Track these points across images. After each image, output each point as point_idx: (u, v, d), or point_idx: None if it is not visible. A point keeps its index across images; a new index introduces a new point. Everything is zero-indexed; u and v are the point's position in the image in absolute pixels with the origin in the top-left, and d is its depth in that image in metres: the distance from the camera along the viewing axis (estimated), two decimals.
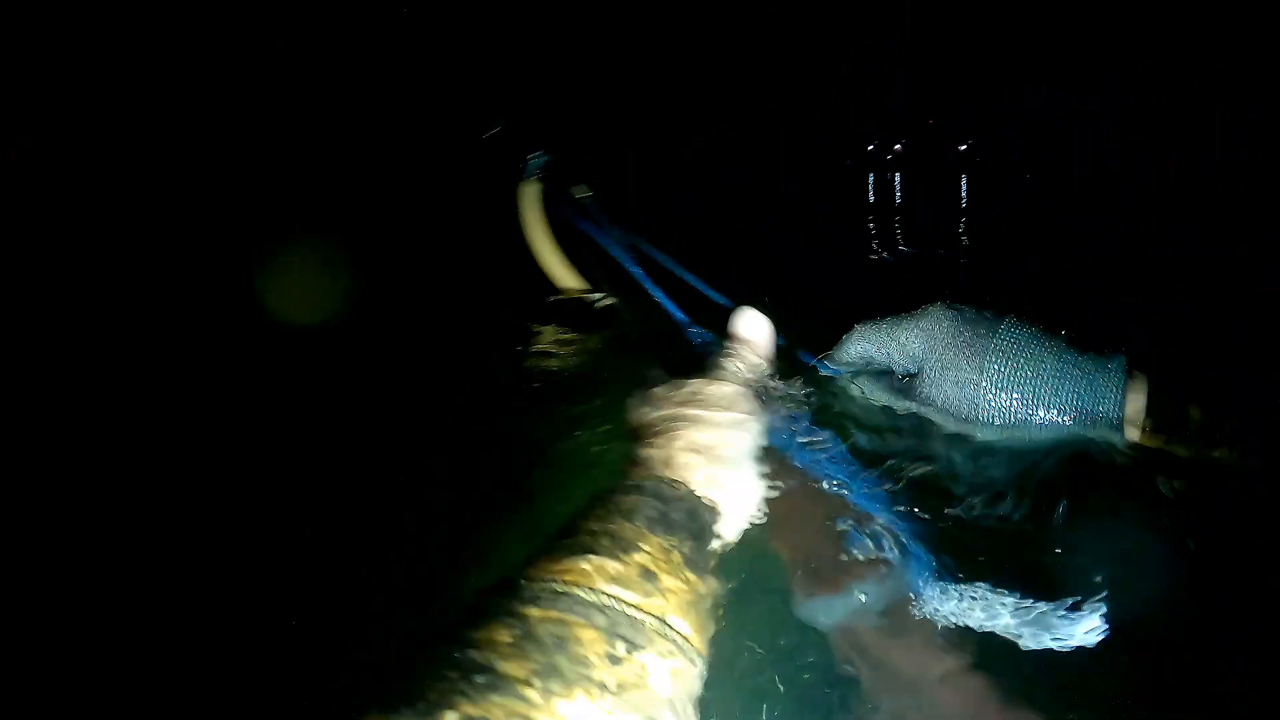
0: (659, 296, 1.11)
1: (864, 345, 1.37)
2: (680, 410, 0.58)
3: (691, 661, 0.42)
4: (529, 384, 2.23)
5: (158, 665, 1.16)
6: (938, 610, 0.79)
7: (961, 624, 0.80)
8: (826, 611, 0.78)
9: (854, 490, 0.79)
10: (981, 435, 1.20)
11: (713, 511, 0.52)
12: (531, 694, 0.34)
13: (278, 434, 1.89)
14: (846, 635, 0.78)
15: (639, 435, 0.59)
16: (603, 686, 0.36)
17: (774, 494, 0.68)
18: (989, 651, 0.82)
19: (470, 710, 0.32)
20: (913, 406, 1.29)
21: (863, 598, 0.75)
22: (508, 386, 2.22)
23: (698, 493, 0.52)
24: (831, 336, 2.16)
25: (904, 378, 1.34)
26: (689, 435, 0.56)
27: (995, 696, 0.74)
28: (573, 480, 1.52)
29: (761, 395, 0.64)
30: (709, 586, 0.48)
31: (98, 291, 3.51)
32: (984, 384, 1.17)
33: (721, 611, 0.50)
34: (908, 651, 0.76)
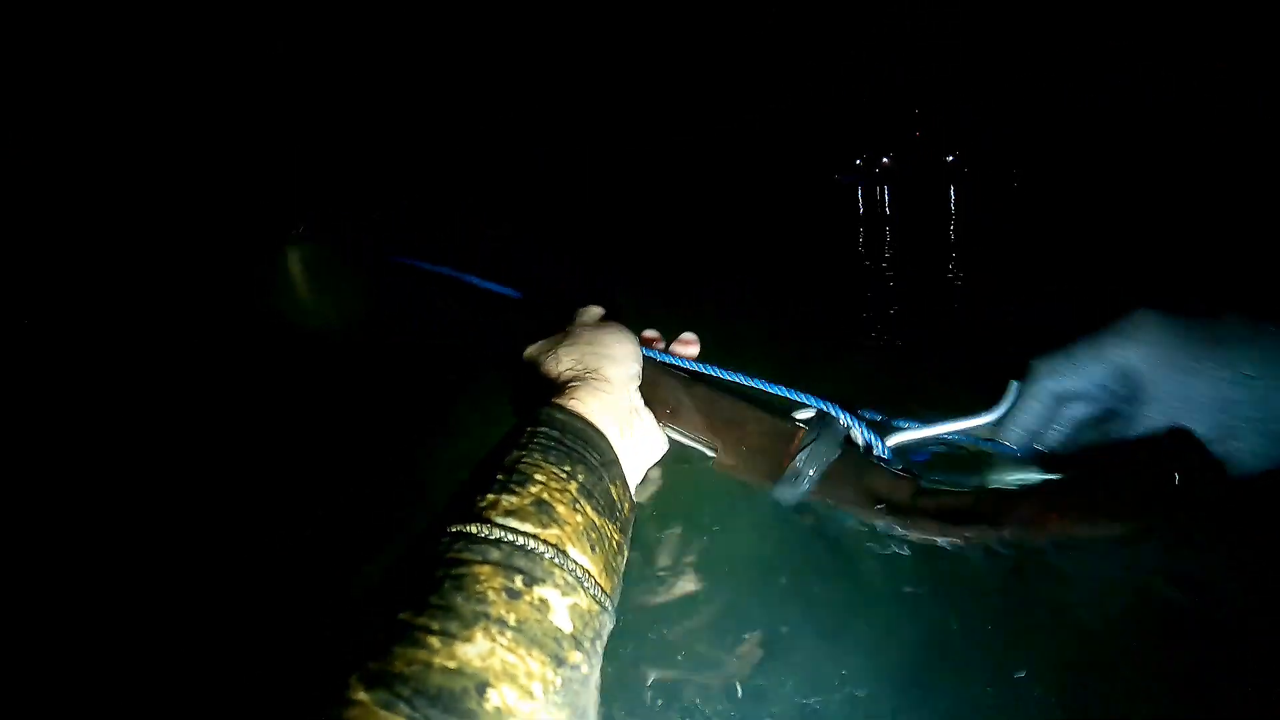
0: (482, 283, 1.25)
1: (1059, 382, 1.11)
2: (557, 353, 0.61)
3: (595, 600, 0.41)
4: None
5: (152, 664, 1.16)
6: (881, 447, 0.87)
7: (903, 444, 0.92)
8: (788, 489, 0.82)
9: (758, 382, 0.86)
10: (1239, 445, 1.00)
11: (606, 441, 0.52)
12: (431, 640, 0.33)
13: (277, 434, 1.89)
14: (823, 491, 0.83)
15: (531, 387, 0.61)
16: (501, 623, 0.35)
17: (699, 433, 0.78)
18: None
19: (373, 665, 0.31)
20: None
21: (809, 463, 0.80)
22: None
23: (592, 421, 0.52)
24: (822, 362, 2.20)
25: (1103, 413, 1.12)
26: (547, 369, 0.59)
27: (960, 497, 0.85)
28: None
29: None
30: (608, 523, 0.46)
31: (98, 292, 3.51)
32: (1256, 380, 0.96)
33: (625, 558, 0.49)
34: (879, 474, 0.83)
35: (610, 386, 0.59)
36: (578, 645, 0.38)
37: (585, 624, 0.39)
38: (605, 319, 0.73)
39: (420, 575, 0.37)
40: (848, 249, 6.45)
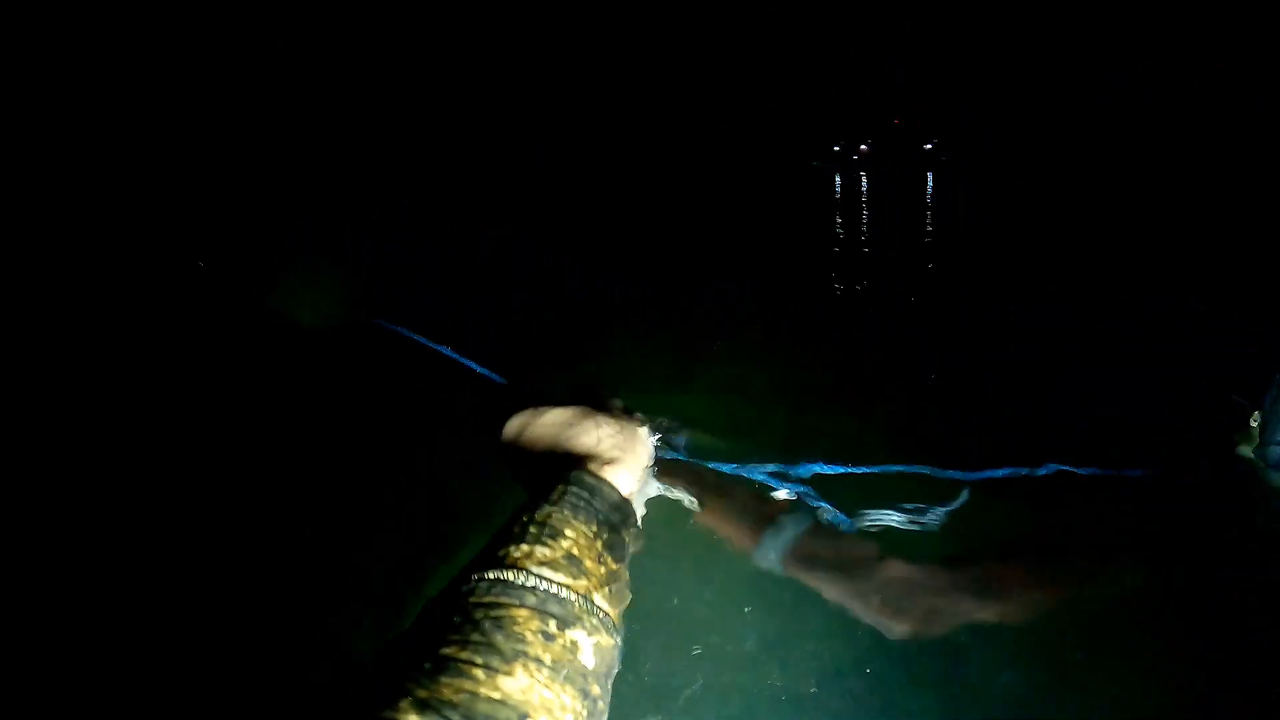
0: (466, 361, 1.32)
1: None
2: (570, 429, 0.66)
3: (611, 636, 0.44)
4: None
5: (154, 661, 1.16)
6: (848, 525, 1.00)
7: (868, 527, 1.03)
8: (767, 552, 0.92)
9: (749, 471, 0.98)
10: None
11: (626, 502, 0.57)
12: (476, 672, 0.36)
13: (280, 436, 1.88)
14: (795, 562, 0.93)
15: (538, 453, 0.66)
16: (539, 661, 0.38)
17: (688, 490, 0.82)
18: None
19: (421, 694, 0.34)
20: None
21: (785, 531, 0.91)
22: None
23: (612, 484, 0.56)
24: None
25: None
26: (583, 443, 0.64)
27: (918, 568, 0.96)
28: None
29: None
30: (623, 570, 0.51)
31: (100, 292, 3.47)
32: None
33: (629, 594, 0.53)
34: (848, 548, 0.94)
35: (637, 469, 0.66)
36: (599, 680, 0.42)
37: (605, 661, 0.43)
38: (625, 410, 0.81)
39: (462, 615, 0.40)
40: (826, 237, 6.48)
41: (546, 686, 0.37)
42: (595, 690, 0.41)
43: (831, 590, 0.88)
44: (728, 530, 0.92)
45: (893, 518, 1.03)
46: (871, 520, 1.03)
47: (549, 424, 0.69)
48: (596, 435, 0.65)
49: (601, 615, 0.44)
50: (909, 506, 1.05)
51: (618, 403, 0.80)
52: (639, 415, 0.79)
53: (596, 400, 0.81)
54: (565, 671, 0.39)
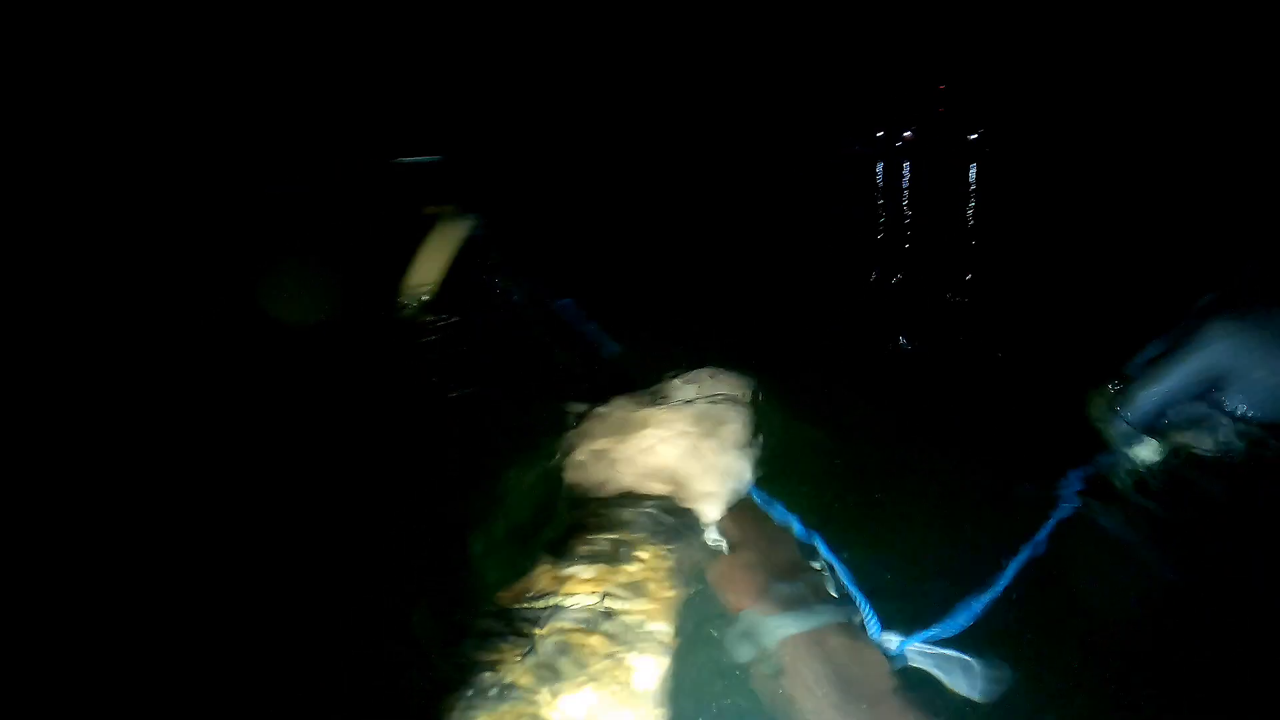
0: (587, 327, 1.15)
1: (1168, 383, 1.34)
2: (650, 432, 0.67)
3: (668, 658, 0.46)
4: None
5: (167, 659, 1.16)
6: (897, 651, 0.82)
7: (917, 661, 0.86)
8: (774, 626, 0.74)
9: (799, 529, 0.88)
10: None
11: (697, 524, 0.58)
12: (539, 696, 0.37)
13: (294, 433, 1.90)
14: (800, 653, 0.74)
15: (613, 453, 0.68)
16: (600, 684, 0.39)
17: (731, 525, 0.78)
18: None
19: (488, 719, 0.30)
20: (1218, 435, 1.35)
21: (809, 614, 0.75)
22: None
23: (691, 509, 0.59)
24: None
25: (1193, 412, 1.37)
26: (664, 453, 0.64)
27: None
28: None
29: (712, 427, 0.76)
30: (683, 593, 0.53)
31: (101, 293, 3.39)
32: None
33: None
34: (868, 666, 0.76)
35: (728, 501, 0.65)
36: (658, 701, 0.43)
37: (659, 681, 0.44)
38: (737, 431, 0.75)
39: (526, 636, 0.41)
40: (866, 227, 6.31)
41: (607, 710, 0.38)
42: (656, 712, 0.41)
43: (816, 706, 0.70)
44: (738, 582, 0.76)
45: (950, 665, 0.82)
46: (926, 656, 0.83)
47: (666, 427, 0.66)
48: (707, 462, 0.63)
49: (664, 638, 0.44)
50: (974, 662, 0.83)
51: (736, 420, 0.73)
52: (752, 443, 0.71)
53: (722, 414, 0.75)
54: (628, 692, 0.39)
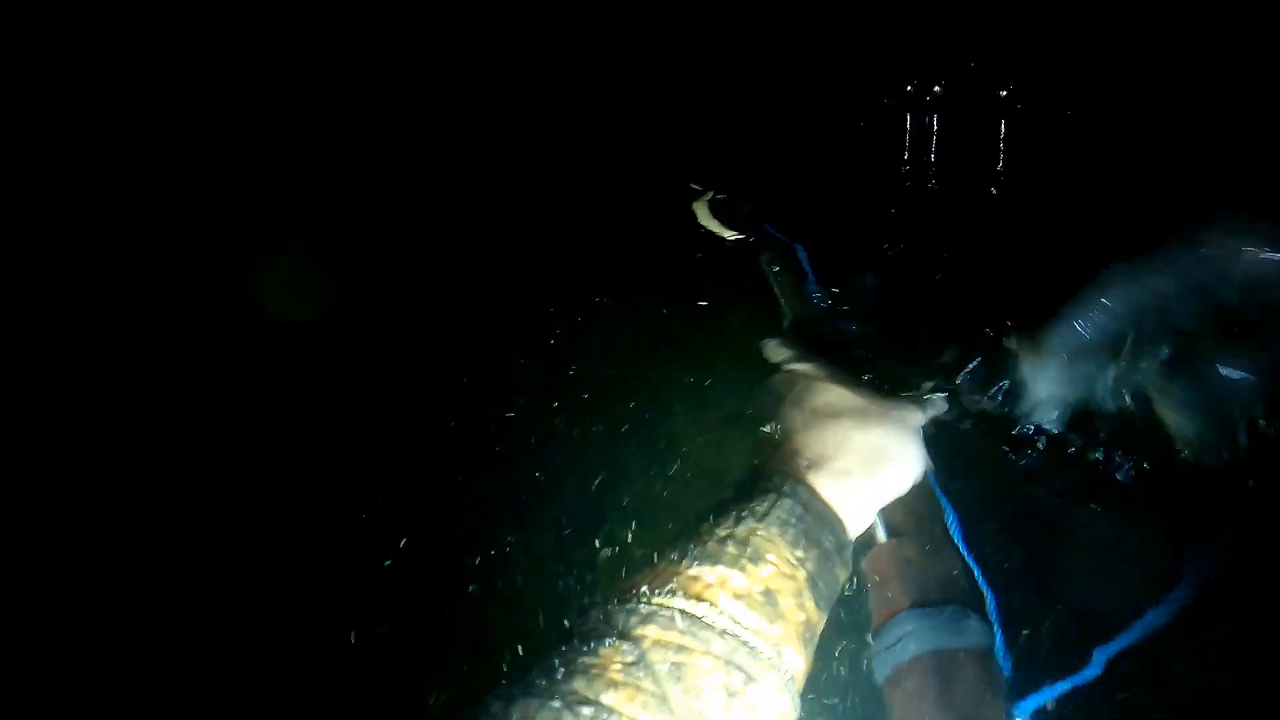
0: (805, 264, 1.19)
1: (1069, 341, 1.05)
2: (834, 415, 0.54)
3: (794, 699, 0.39)
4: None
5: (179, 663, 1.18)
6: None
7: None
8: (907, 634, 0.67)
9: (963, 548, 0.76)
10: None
11: (846, 533, 0.48)
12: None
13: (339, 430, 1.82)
14: (931, 669, 0.62)
15: (784, 428, 0.55)
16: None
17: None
18: None
19: None
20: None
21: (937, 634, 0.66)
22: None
23: (835, 507, 0.47)
24: None
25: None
26: (837, 440, 0.52)
27: None
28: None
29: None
30: (822, 618, 0.44)
31: (103, 294, 3.26)
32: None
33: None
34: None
35: (883, 498, 0.52)
36: None
37: None
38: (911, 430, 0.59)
39: (633, 651, 0.35)
40: (892, 180, 6.15)
41: None
42: None
43: None
44: (893, 575, 0.64)
45: None
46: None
47: (822, 400, 0.56)
48: (846, 438, 0.52)
49: (790, 672, 0.39)
50: None
51: (915, 418, 0.59)
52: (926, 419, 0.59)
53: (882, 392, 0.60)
54: None
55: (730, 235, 0.99)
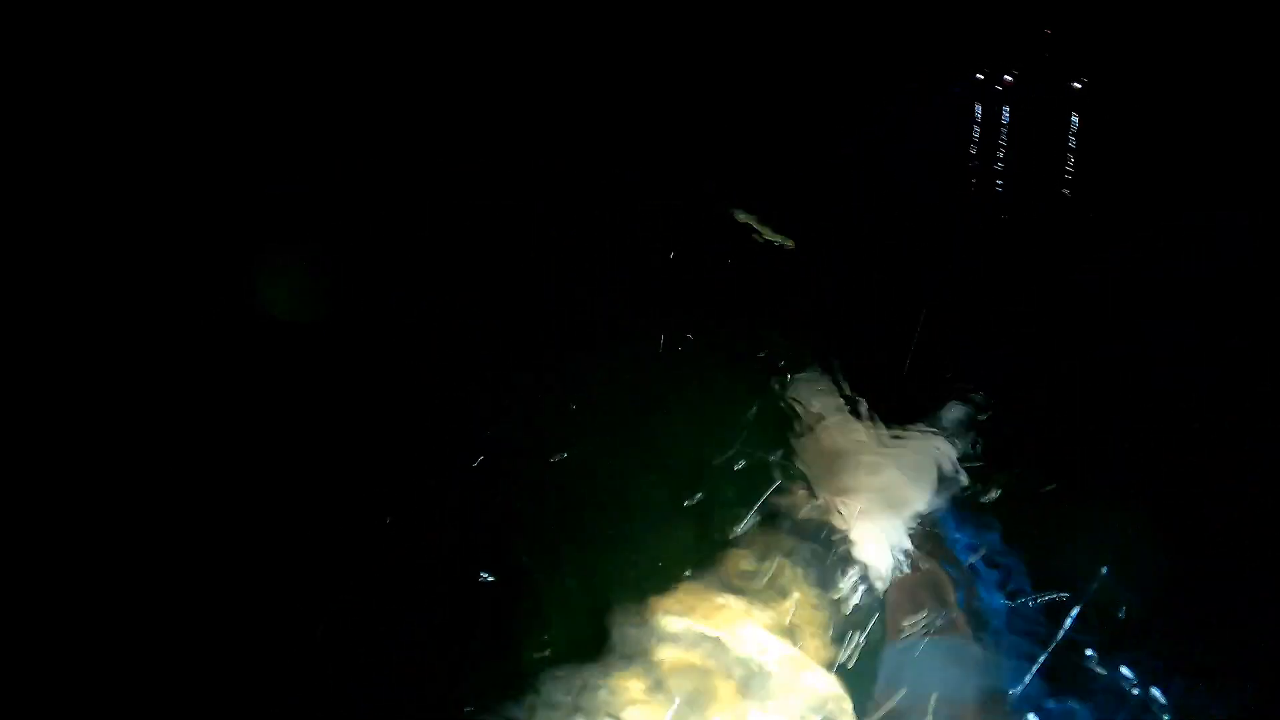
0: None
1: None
2: (867, 454, 0.54)
3: None
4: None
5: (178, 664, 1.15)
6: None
7: None
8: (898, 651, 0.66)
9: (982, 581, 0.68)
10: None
11: (868, 573, 0.45)
12: None
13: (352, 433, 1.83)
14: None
15: (808, 471, 0.54)
16: None
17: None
18: None
19: None
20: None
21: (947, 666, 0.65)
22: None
23: (857, 548, 0.45)
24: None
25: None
26: (870, 482, 0.51)
27: None
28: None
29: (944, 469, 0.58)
30: (839, 650, 0.42)
31: (104, 295, 2.72)
32: None
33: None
34: None
35: (899, 536, 0.48)
36: None
37: None
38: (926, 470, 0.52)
39: (654, 673, 0.33)
40: (958, 171, 5.83)
41: None
42: None
43: None
44: (912, 597, 0.65)
45: None
46: None
47: (839, 438, 0.51)
48: (873, 469, 0.48)
49: (812, 699, 0.36)
50: None
51: (943, 450, 0.48)
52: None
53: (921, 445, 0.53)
54: None
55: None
